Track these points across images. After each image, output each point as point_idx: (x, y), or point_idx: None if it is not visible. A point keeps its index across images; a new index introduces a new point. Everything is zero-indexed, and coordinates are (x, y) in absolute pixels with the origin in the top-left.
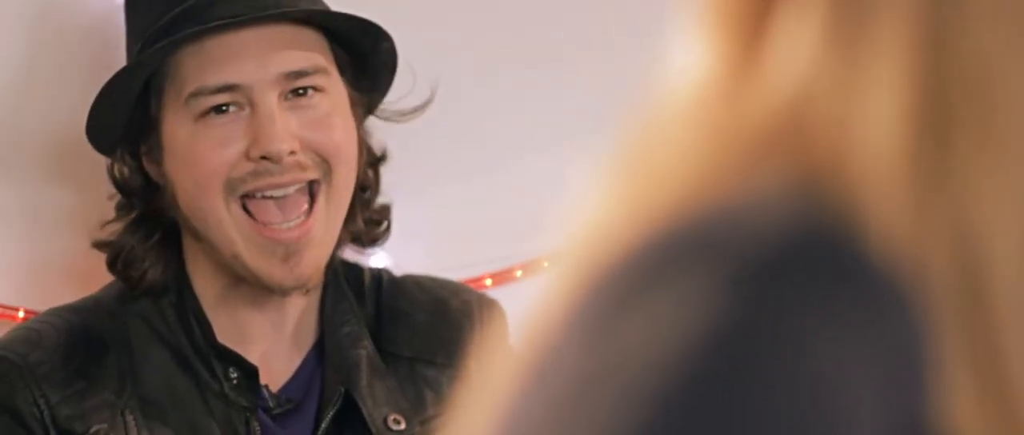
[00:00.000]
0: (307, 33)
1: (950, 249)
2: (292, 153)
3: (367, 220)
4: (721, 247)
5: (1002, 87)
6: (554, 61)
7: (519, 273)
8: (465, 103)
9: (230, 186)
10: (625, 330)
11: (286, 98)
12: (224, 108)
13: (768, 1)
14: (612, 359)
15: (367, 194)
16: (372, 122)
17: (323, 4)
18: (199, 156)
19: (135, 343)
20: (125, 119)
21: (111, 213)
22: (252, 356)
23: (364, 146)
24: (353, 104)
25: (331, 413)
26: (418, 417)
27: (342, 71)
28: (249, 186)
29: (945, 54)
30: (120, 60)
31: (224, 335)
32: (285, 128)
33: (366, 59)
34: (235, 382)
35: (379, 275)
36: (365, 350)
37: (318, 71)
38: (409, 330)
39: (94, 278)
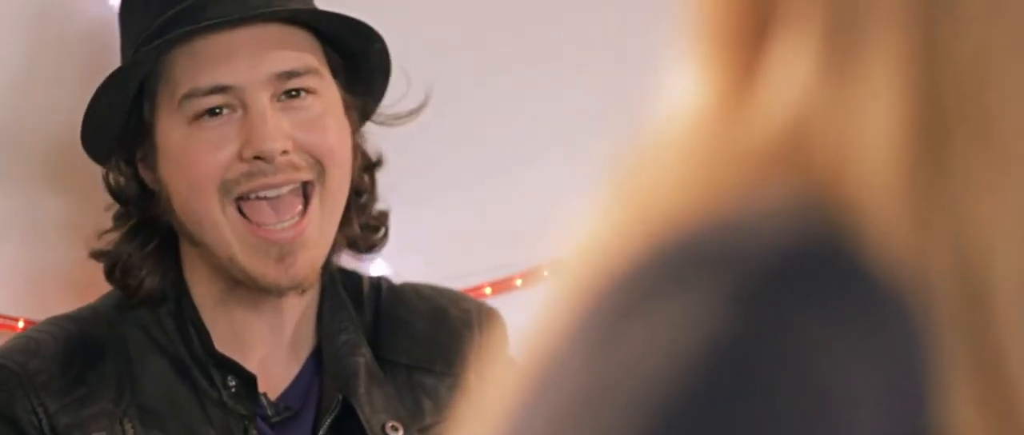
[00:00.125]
0: (299, 34)
1: (950, 259)
2: (284, 153)
3: (364, 225)
4: (723, 259)
5: (997, 94)
6: (553, 68)
7: (519, 282)
8: (464, 111)
9: (225, 188)
10: (627, 342)
11: (279, 99)
12: (217, 111)
13: (763, 25)
14: (614, 371)
15: (363, 199)
16: (369, 128)
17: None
18: (193, 159)
19: (133, 351)
20: (120, 125)
21: (110, 223)
22: (250, 364)
23: (359, 150)
24: (347, 107)
25: (329, 420)
26: (416, 425)
27: (335, 74)
28: (243, 187)
29: (939, 64)
30: (118, 66)
31: (222, 343)
32: (277, 128)
33: (358, 61)
34: (233, 390)
35: (378, 283)
36: (363, 357)
37: (310, 72)
38: (408, 338)
39: (94, 288)
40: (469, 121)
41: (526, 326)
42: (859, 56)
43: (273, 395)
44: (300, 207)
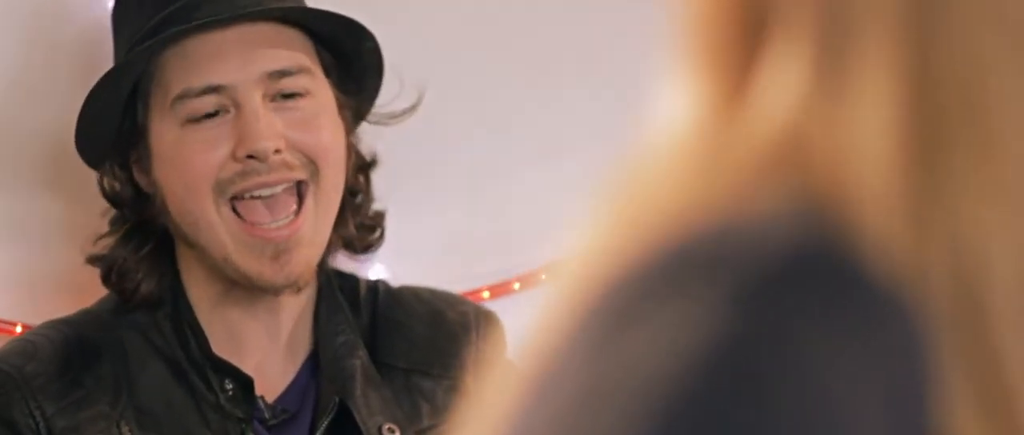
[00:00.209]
0: (290, 33)
1: (947, 260)
2: (277, 151)
3: (359, 225)
4: (723, 262)
5: (991, 95)
6: (551, 73)
7: (517, 286)
8: (462, 115)
9: (219, 188)
10: (627, 345)
11: (272, 100)
12: (211, 114)
13: (756, 34)
14: (614, 374)
15: (358, 199)
16: (367, 131)
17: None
18: (187, 159)
19: (131, 354)
20: (114, 128)
21: (107, 228)
22: (247, 367)
23: (353, 150)
24: (340, 107)
25: (326, 423)
26: (413, 427)
27: (328, 73)
28: (237, 187)
29: (932, 67)
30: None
31: (219, 346)
32: (270, 127)
33: (351, 60)
34: (230, 393)
35: (375, 286)
36: (359, 360)
37: (302, 71)
38: (405, 341)
39: (92, 292)
40: (467, 125)
41: (525, 328)
42: (853, 62)
43: (270, 398)
44: (294, 206)
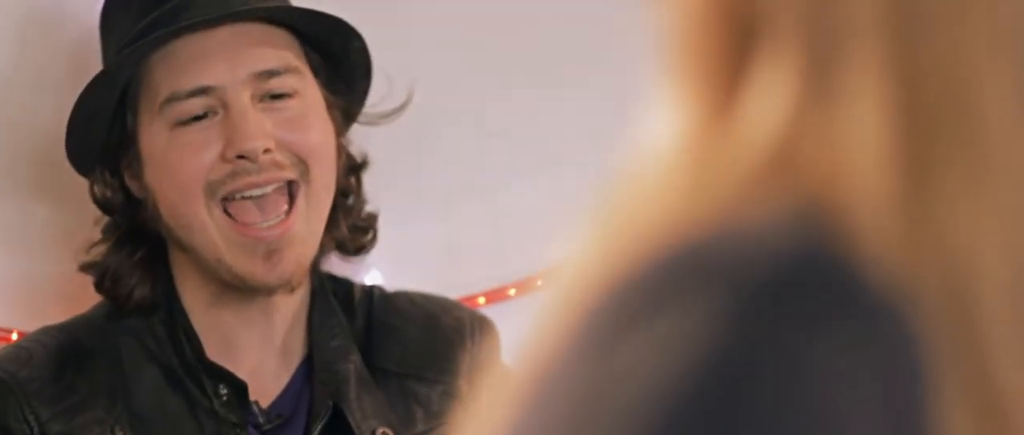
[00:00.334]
0: (277, 33)
1: (940, 267)
2: (267, 151)
3: (352, 227)
4: (718, 271)
5: (977, 98)
6: (549, 80)
7: (512, 292)
8: (459, 122)
9: (210, 190)
10: (624, 352)
11: (261, 100)
12: (200, 116)
13: (743, 46)
14: (611, 381)
15: (350, 200)
16: (363, 135)
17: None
18: (177, 162)
19: (126, 360)
20: (103, 134)
21: (100, 235)
22: (242, 372)
23: (343, 150)
24: (330, 107)
25: (319, 427)
26: (407, 432)
27: (316, 73)
28: (228, 188)
29: (919, 73)
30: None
31: (213, 351)
32: (259, 127)
33: (339, 60)
34: (225, 398)
35: (370, 291)
36: (353, 364)
37: (290, 70)
38: (400, 346)
39: (88, 298)
40: (464, 132)
41: (521, 335)
42: (842, 70)
43: (264, 403)
44: (285, 206)
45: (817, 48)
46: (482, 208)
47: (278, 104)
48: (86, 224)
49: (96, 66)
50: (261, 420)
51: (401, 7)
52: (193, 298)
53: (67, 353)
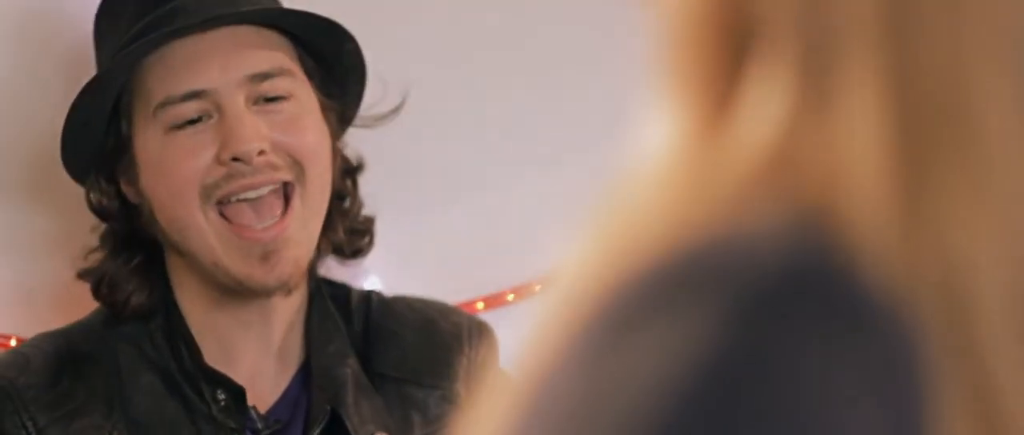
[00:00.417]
0: (270, 35)
1: (938, 271)
2: (262, 153)
3: (348, 230)
4: (716, 277)
5: (973, 101)
6: (548, 83)
7: (511, 297)
8: (457, 126)
9: (205, 193)
10: (623, 357)
11: (255, 103)
12: (194, 120)
13: (738, 53)
14: (610, 386)
15: (346, 203)
16: (361, 139)
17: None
18: (172, 166)
19: (123, 366)
20: (98, 141)
21: (97, 242)
22: (240, 377)
23: (338, 153)
24: (324, 109)
25: (317, 432)
26: None
27: (310, 76)
28: (223, 190)
29: (914, 77)
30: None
31: (211, 357)
32: (254, 129)
33: (332, 63)
34: (223, 404)
35: (368, 296)
36: (350, 368)
37: (283, 73)
38: (398, 350)
39: (86, 305)
40: (462, 136)
41: (519, 341)
42: (838, 75)
43: (262, 408)
44: (281, 208)
45: (814, 51)
46: (480, 213)
47: (272, 107)
48: (84, 230)
49: (93, 73)
50: (259, 425)
51: (399, 11)
52: (190, 303)
53: (65, 359)
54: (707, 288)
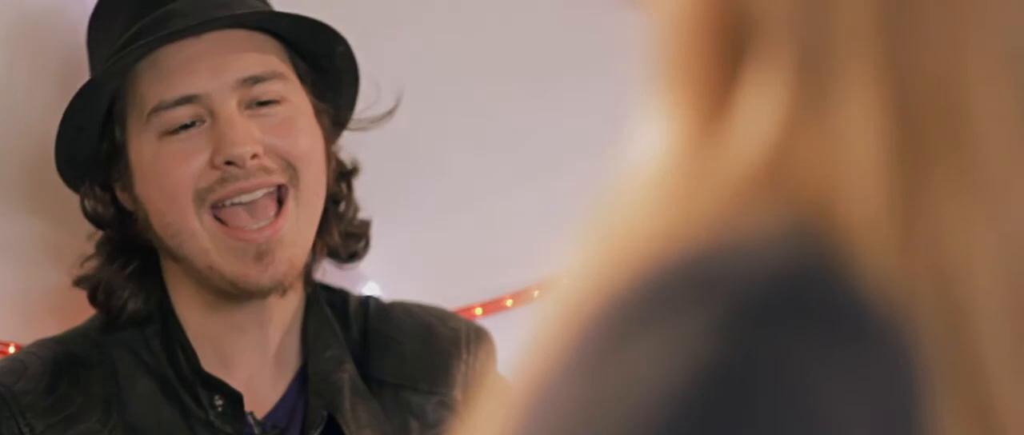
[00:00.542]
0: (262, 39)
1: (933, 278)
2: (255, 157)
3: (344, 233)
4: (714, 285)
5: (969, 109)
6: (547, 90)
7: (509, 302)
8: (457, 133)
9: (199, 197)
10: (620, 363)
11: (248, 107)
12: (188, 125)
13: (734, 60)
14: (607, 393)
15: (341, 207)
16: (359, 144)
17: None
18: (166, 171)
19: (120, 372)
20: (92, 148)
21: (93, 249)
22: (237, 383)
23: (333, 156)
24: (317, 112)
25: None
26: None
27: (302, 79)
28: (217, 194)
29: (911, 84)
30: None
31: (208, 362)
32: (246, 132)
33: (324, 66)
34: (220, 409)
35: (366, 301)
36: (347, 373)
37: (275, 76)
38: (396, 356)
39: (84, 311)
40: (461, 142)
41: (518, 347)
42: (834, 81)
43: (260, 413)
44: (275, 210)
45: (809, 57)
46: (479, 219)
47: (265, 110)
48: (80, 237)
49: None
50: (256, 431)
51: (397, 17)
52: (187, 309)
53: (62, 365)
54: (704, 295)
